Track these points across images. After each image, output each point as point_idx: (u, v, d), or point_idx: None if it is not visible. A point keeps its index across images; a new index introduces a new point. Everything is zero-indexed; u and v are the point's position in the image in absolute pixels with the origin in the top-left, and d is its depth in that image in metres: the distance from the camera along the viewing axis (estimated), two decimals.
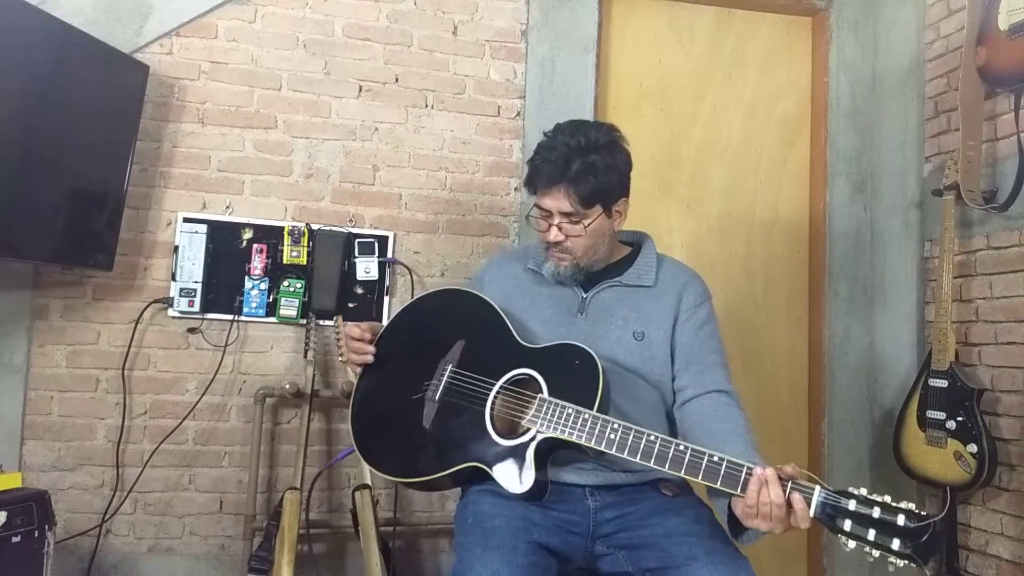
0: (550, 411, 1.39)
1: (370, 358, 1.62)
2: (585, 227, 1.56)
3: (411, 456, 1.52)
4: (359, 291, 2.43)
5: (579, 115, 2.54)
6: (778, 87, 2.84)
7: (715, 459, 1.26)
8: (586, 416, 1.36)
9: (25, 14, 1.92)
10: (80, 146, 2.10)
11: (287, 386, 2.23)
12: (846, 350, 2.70)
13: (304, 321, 2.36)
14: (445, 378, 1.54)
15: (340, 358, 2.30)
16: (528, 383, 1.48)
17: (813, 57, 2.86)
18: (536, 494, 1.38)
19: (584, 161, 1.52)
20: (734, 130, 2.81)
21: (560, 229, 1.56)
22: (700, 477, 1.27)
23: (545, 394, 1.43)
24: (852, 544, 1.14)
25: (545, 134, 1.62)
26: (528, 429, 1.41)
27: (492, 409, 1.47)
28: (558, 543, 1.45)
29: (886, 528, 1.11)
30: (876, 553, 1.12)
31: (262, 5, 2.42)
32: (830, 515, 1.16)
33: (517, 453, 1.40)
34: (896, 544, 1.10)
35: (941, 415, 2.22)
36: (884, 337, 2.66)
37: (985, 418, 2.17)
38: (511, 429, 1.44)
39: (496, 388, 1.49)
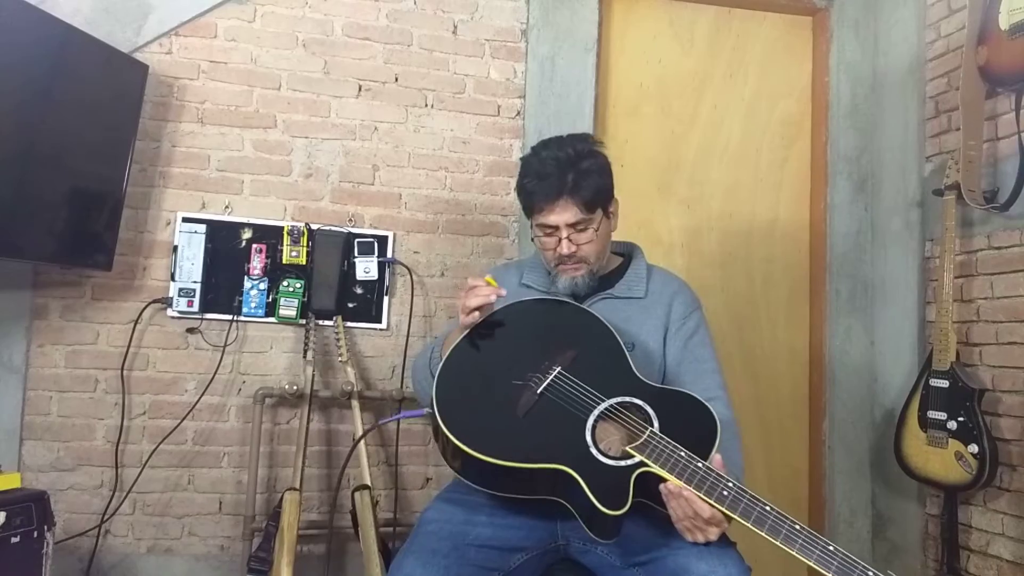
0: (661, 446, 1.33)
1: (493, 298, 1.51)
2: (595, 231, 1.61)
3: (495, 436, 1.41)
4: (359, 291, 2.43)
5: (579, 115, 2.56)
6: (778, 87, 2.84)
7: (830, 548, 1.20)
8: (699, 465, 1.29)
9: (25, 14, 1.92)
10: (79, 146, 2.09)
11: (286, 386, 2.22)
12: (846, 350, 2.69)
13: (303, 321, 2.36)
14: (551, 376, 1.48)
15: (340, 358, 2.29)
16: (637, 414, 1.43)
17: (814, 57, 2.86)
18: (620, 523, 1.30)
19: (578, 170, 1.58)
20: (734, 130, 2.80)
21: (571, 240, 1.60)
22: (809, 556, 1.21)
23: (656, 428, 1.37)
24: None
25: (523, 159, 1.66)
26: (633, 456, 1.34)
27: (594, 423, 1.41)
28: (519, 539, 1.45)
29: None
30: None
31: (261, 4, 2.42)
32: None
33: (617, 475, 1.32)
34: None
35: (942, 415, 2.22)
36: (885, 337, 2.66)
37: (986, 418, 2.16)
38: (611, 451, 1.39)
39: (605, 405, 1.43)
